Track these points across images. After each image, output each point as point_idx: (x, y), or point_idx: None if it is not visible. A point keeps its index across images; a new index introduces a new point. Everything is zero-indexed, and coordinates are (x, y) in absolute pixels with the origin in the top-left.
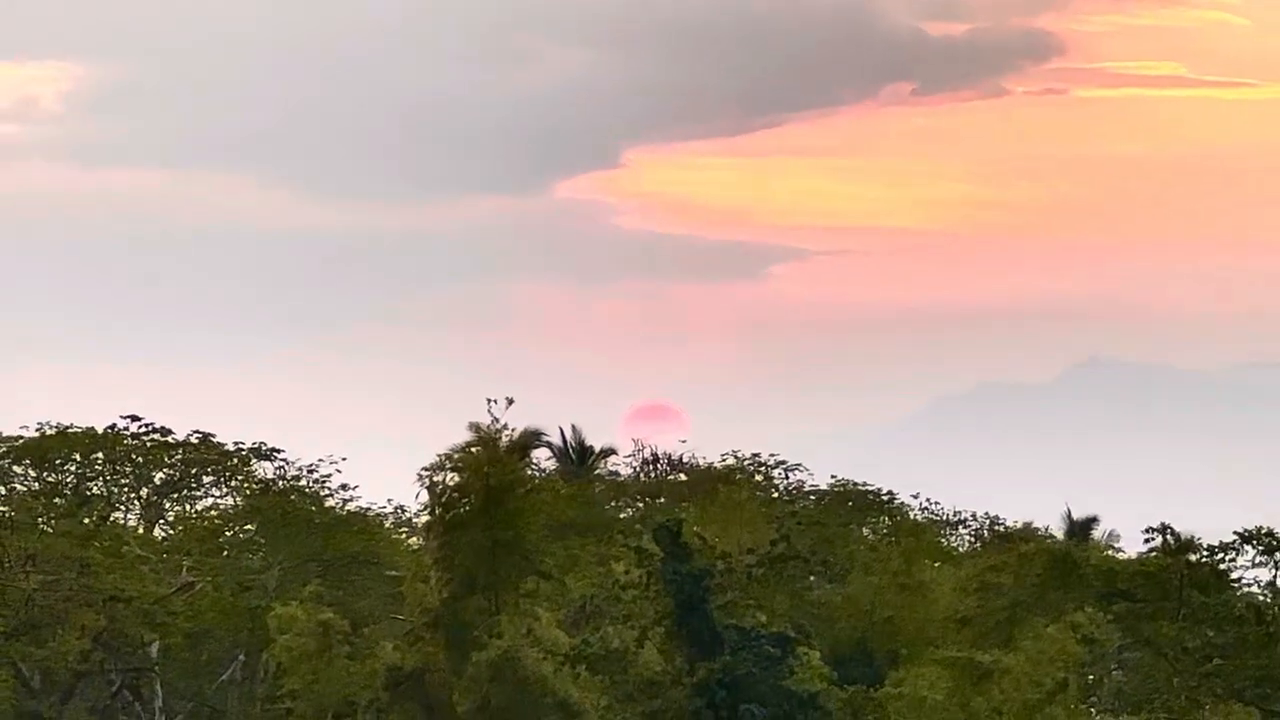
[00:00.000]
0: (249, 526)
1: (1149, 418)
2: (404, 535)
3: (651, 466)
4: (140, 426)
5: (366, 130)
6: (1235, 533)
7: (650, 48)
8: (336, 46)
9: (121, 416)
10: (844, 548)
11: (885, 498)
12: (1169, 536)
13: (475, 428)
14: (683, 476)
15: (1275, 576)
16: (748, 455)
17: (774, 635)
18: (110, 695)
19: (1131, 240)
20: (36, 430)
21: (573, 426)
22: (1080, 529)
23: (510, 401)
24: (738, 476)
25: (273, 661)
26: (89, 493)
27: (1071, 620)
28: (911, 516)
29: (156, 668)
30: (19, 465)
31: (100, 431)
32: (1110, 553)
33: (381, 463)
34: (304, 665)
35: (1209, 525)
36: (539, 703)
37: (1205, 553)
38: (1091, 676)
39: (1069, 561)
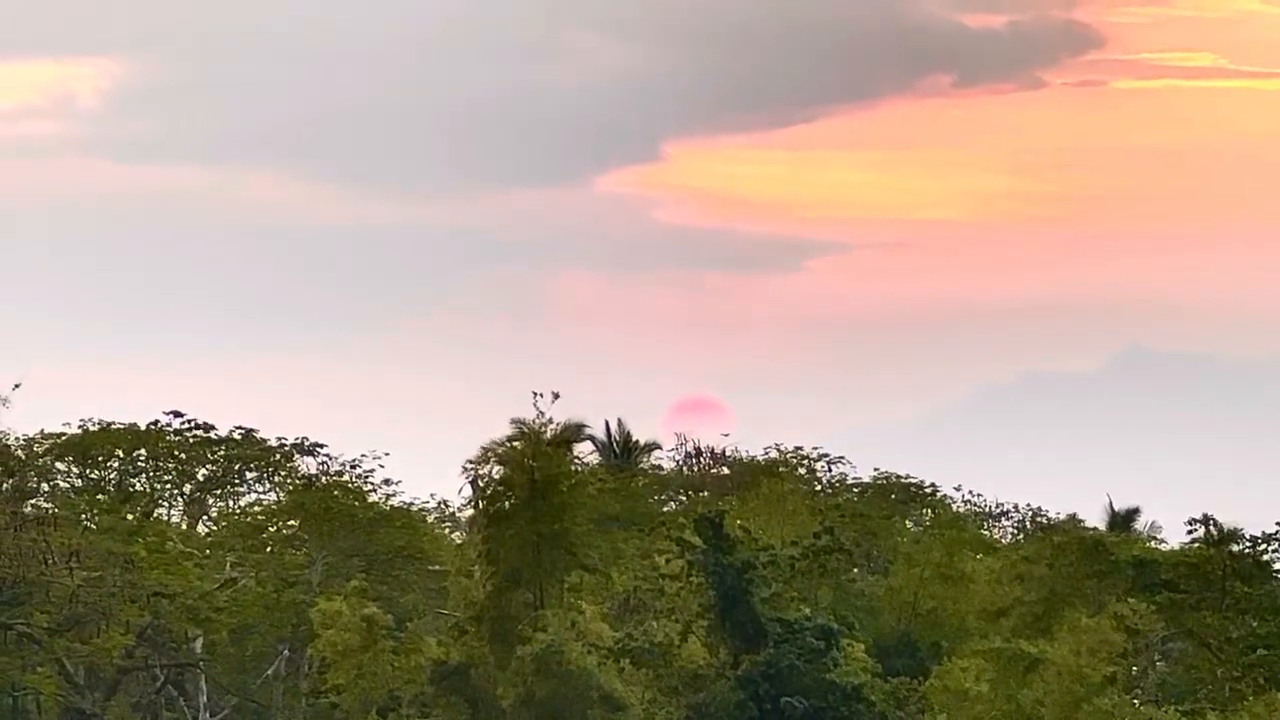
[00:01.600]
0: (292, 522)
1: (1192, 408)
2: (447, 530)
3: (694, 460)
4: (183, 423)
5: (409, 125)
6: (1278, 523)
7: (689, 43)
8: (380, 42)
9: (164, 413)
10: (887, 540)
11: (928, 490)
12: (1211, 527)
13: (518, 421)
14: (725, 470)
15: None
16: (790, 448)
17: (818, 627)
18: (155, 691)
19: (1172, 230)
20: (79, 427)
21: (619, 420)
22: (1122, 520)
23: (556, 396)
24: (781, 470)
25: (317, 657)
26: (132, 489)
27: (1115, 611)
28: (954, 508)
29: (201, 663)
30: (62, 462)
31: (143, 428)
32: (1153, 544)
33: (425, 457)
34: (348, 660)
35: (1253, 516)
36: (583, 696)
37: (1248, 543)
38: (1135, 668)
39: (1101, 551)
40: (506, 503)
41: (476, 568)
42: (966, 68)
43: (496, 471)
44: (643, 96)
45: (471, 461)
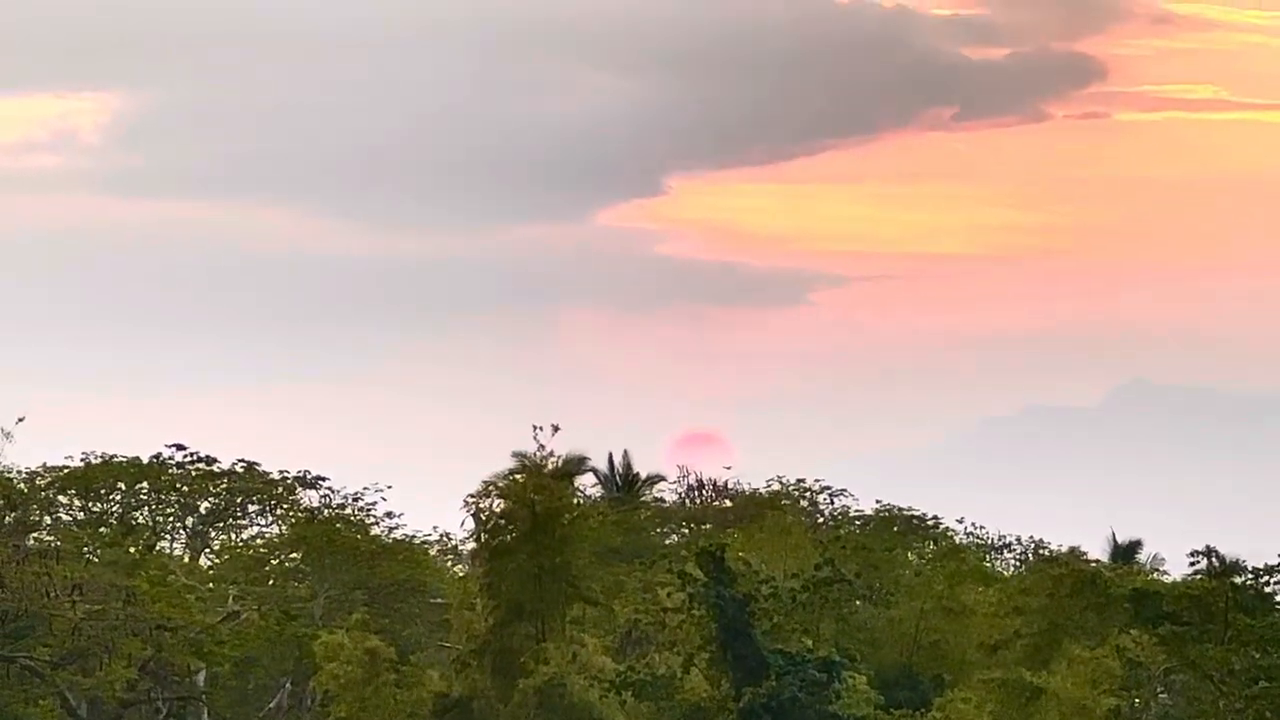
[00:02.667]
0: (294, 555)
1: (1194, 441)
2: (449, 563)
3: (697, 493)
4: (185, 456)
5: (412, 160)
6: None
7: (691, 76)
8: (382, 78)
9: (166, 446)
10: (889, 572)
11: (930, 522)
12: (1214, 559)
13: (520, 455)
14: (728, 503)
15: None
16: (792, 481)
17: (820, 660)
18: None
19: (1174, 262)
20: (81, 460)
21: (624, 452)
22: (1124, 552)
23: (556, 429)
24: (783, 502)
25: (319, 690)
26: (134, 522)
27: (1116, 643)
28: (956, 541)
29: (204, 696)
30: (64, 495)
31: (145, 461)
32: (1155, 576)
33: (426, 490)
34: (351, 693)
35: (1255, 548)
36: None
37: (1251, 575)
38: (1138, 700)
39: (1098, 583)
40: (508, 536)
41: (478, 601)
42: (968, 100)
43: (498, 505)
44: (645, 131)
45: (473, 495)
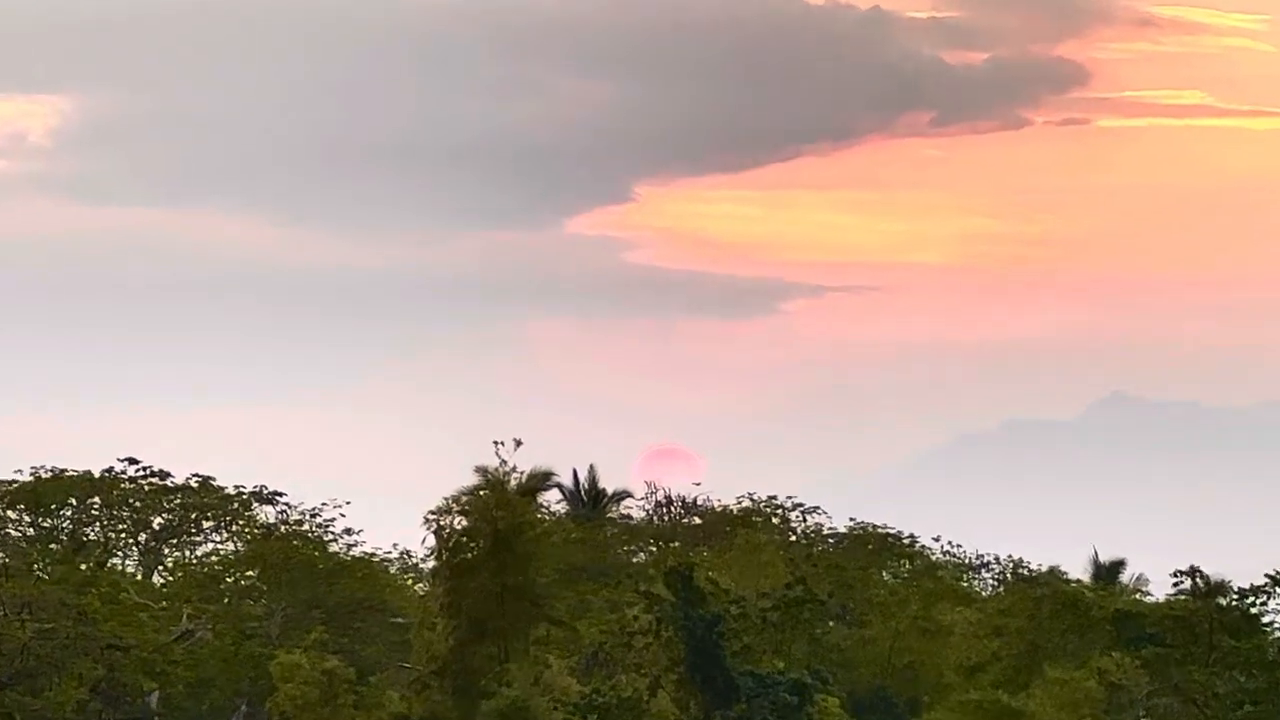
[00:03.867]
0: (250, 572)
1: (1176, 456)
2: (410, 581)
3: (665, 509)
4: (138, 470)
5: (375, 165)
6: (1267, 575)
7: (660, 79)
8: (339, 79)
9: (119, 460)
10: (863, 592)
11: (906, 541)
12: (1198, 579)
13: (483, 470)
14: (697, 520)
15: None
16: (764, 498)
17: (791, 682)
18: None
19: (1156, 273)
20: (31, 474)
21: (590, 467)
22: (1107, 572)
23: (518, 443)
24: (755, 520)
25: (276, 711)
26: (85, 538)
27: (1098, 665)
28: (932, 560)
29: (156, 718)
30: (14, 511)
31: (97, 475)
32: (1138, 596)
33: (387, 506)
34: (308, 715)
35: (1239, 567)
36: None
37: (1235, 596)
38: None
39: (1080, 605)
40: (470, 553)
41: (439, 620)
42: (946, 106)
43: (459, 522)
44: (614, 135)
45: (433, 512)
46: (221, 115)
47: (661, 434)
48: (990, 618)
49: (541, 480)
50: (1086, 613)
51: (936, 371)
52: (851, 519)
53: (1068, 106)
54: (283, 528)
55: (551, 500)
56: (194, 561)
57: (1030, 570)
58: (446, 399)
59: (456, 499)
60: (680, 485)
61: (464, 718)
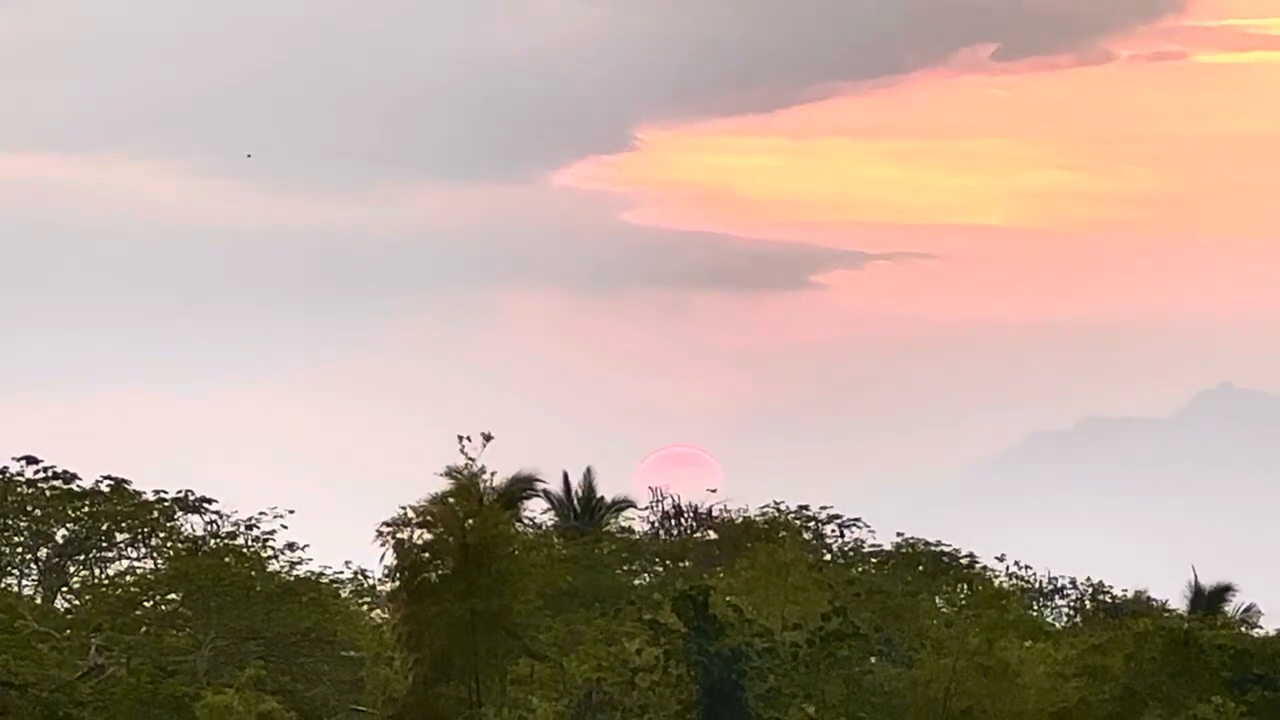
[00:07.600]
0: (173, 595)
1: None
2: (365, 607)
3: (674, 521)
4: (37, 471)
5: (323, 103)
6: None
7: (670, 3)
8: (278, 6)
9: (14, 459)
10: (912, 622)
11: (964, 561)
12: None
13: (451, 474)
14: (712, 534)
15: None
16: (793, 508)
17: None
18: None
19: (1271, 240)
20: None
21: (585, 471)
22: (1209, 601)
23: (487, 438)
24: (781, 534)
25: None
26: None
27: (1196, 713)
28: (996, 583)
29: None
30: None
31: None
32: (1244, 630)
33: (338, 516)
34: None
35: None
36: None
37: None
38: None
39: (1193, 644)
40: (433, 573)
41: (398, 654)
42: (1013, 37)
43: (422, 536)
44: (613, 69)
45: (389, 523)
46: (138, 50)
47: (669, 432)
48: (1082, 654)
49: (524, 485)
50: (1199, 653)
51: (1000, 358)
52: (898, 534)
53: (1159, 38)
54: (212, 542)
55: (537, 510)
56: (105, 582)
57: (1114, 597)
58: (409, 386)
59: (418, 508)
60: (692, 493)
61: None
